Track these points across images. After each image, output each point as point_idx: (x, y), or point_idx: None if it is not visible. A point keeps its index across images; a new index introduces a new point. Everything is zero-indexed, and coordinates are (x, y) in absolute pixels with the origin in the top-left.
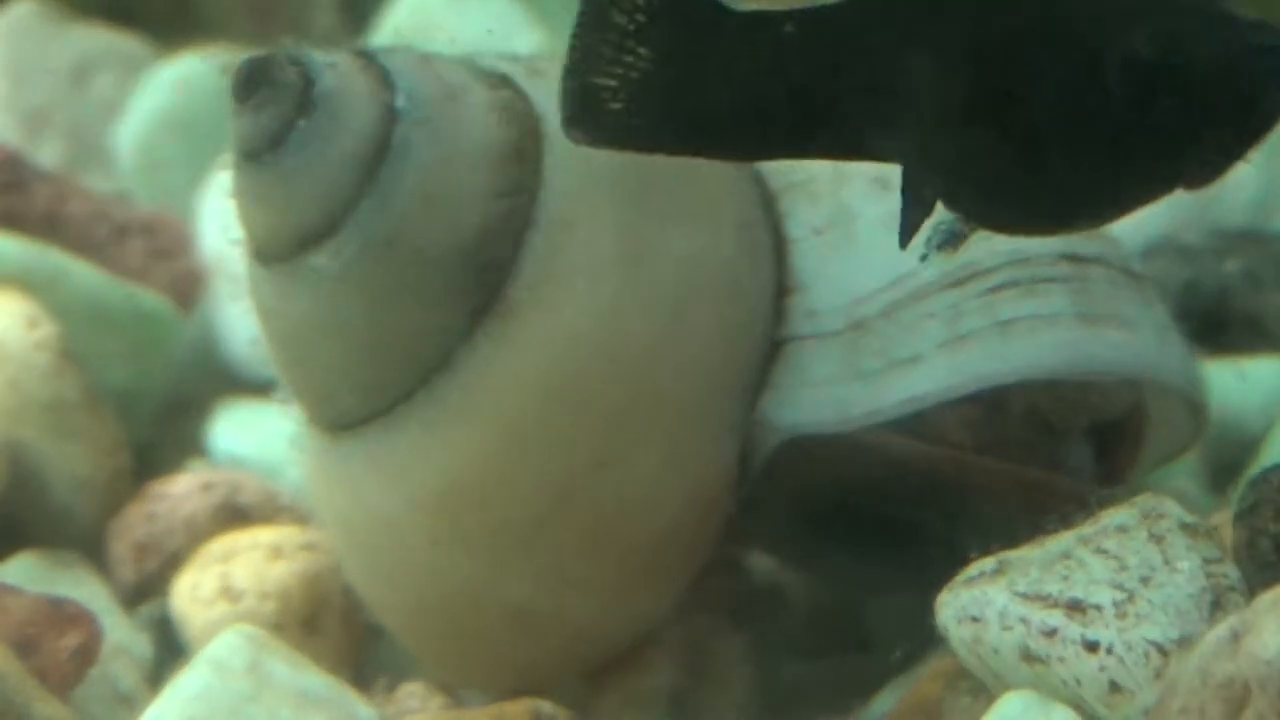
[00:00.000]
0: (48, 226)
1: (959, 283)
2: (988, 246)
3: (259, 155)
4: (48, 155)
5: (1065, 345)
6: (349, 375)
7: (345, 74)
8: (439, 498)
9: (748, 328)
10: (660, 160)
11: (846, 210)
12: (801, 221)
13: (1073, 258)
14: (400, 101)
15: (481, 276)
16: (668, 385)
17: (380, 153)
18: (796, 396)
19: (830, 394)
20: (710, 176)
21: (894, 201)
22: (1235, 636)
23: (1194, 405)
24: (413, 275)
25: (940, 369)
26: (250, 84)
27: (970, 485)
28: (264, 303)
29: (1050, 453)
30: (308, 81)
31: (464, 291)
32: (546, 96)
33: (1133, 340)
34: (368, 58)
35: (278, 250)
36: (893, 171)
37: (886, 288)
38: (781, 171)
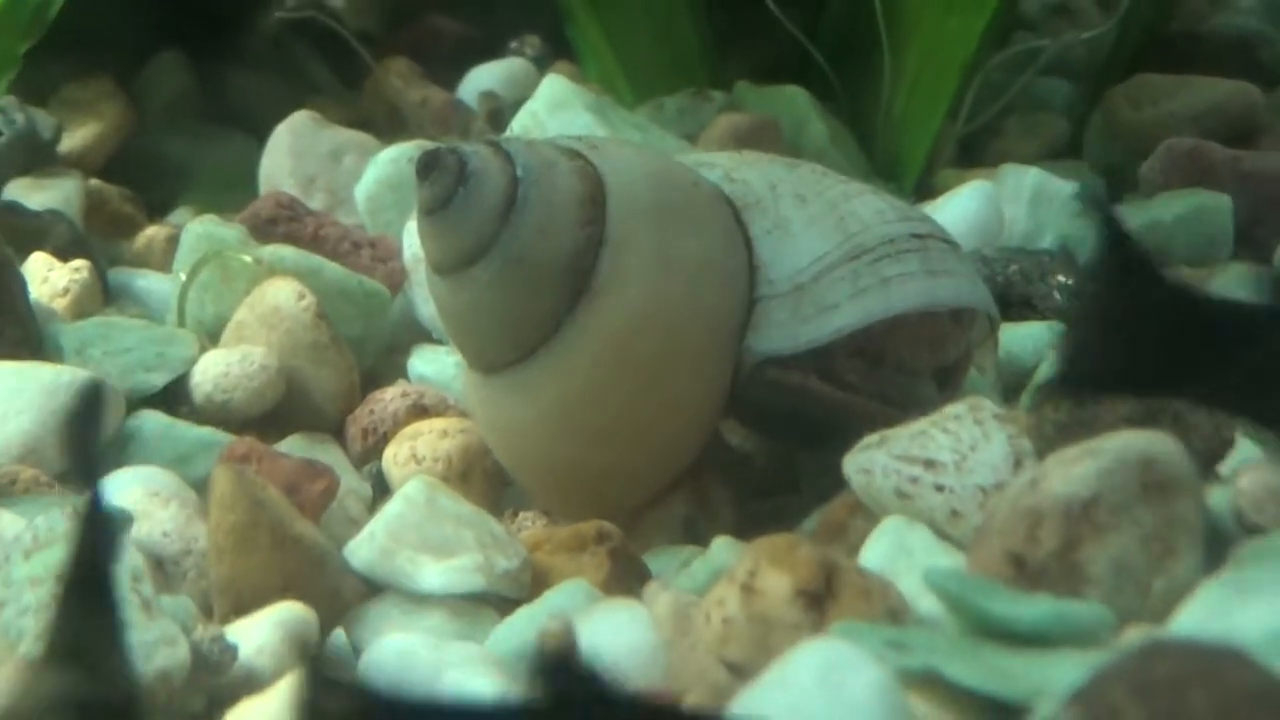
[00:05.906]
0: (313, 242)
1: (855, 258)
2: (870, 234)
3: (434, 212)
4: (315, 202)
5: (921, 291)
6: (497, 340)
7: (484, 158)
8: (555, 410)
9: (735, 295)
10: (674, 197)
11: (783, 218)
12: (757, 226)
13: (918, 236)
14: (519, 172)
15: (575, 277)
16: (691, 334)
17: (510, 205)
18: (766, 334)
19: (786, 331)
20: (703, 205)
21: (811, 210)
22: (1033, 482)
23: (991, 316)
24: (534, 279)
25: (851, 311)
26: (426, 168)
27: (856, 414)
28: (440, 298)
29: (910, 390)
30: (462, 164)
31: (565, 287)
32: (602, 161)
33: (958, 284)
34: (496, 145)
35: (449, 267)
36: (809, 188)
37: (812, 264)
38: (739, 196)
